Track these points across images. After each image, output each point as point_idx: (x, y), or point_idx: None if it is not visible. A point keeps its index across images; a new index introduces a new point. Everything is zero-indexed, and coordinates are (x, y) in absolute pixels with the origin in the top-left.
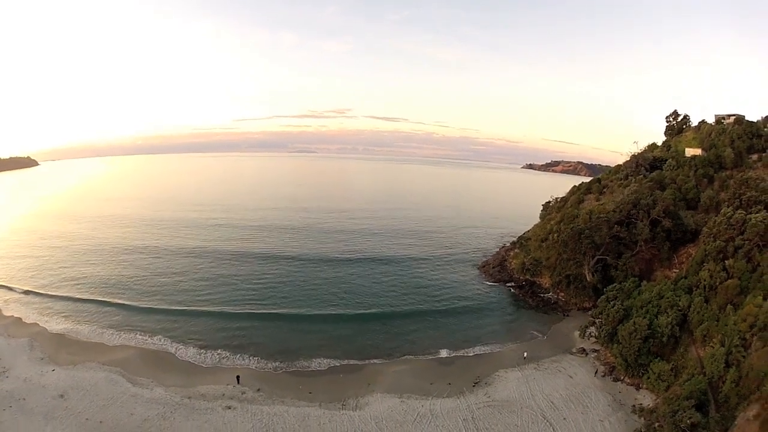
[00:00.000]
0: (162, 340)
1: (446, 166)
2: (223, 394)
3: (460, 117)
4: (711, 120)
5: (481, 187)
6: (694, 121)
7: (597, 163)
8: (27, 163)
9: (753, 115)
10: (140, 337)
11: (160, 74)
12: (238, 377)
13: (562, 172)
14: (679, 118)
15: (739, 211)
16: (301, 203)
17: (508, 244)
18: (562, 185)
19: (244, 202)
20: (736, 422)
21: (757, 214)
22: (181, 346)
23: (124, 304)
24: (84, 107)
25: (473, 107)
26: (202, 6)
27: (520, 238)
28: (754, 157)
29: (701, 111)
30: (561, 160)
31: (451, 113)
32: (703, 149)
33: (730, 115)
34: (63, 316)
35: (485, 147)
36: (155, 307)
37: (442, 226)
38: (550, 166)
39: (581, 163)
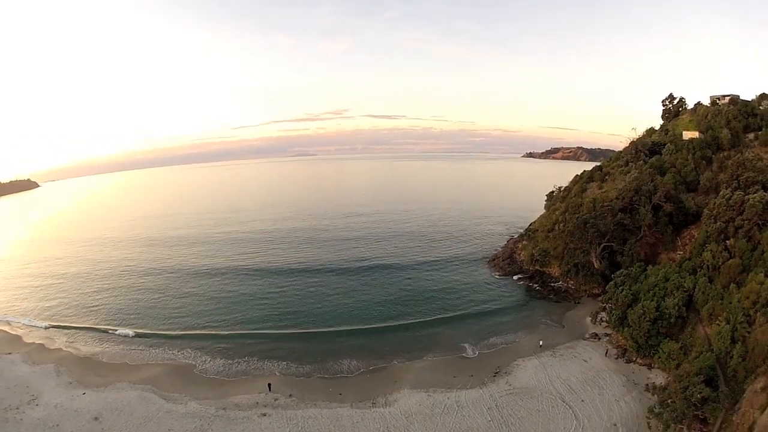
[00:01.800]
0: (187, 355)
1: (446, 160)
2: (257, 402)
3: (457, 110)
4: (706, 102)
5: (482, 180)
6: (690, 104)
7: (597, 147)
8: (27, 185)
9: (747, 94)
10: (165, 354)
11: (156, 85)
12: (269, 385)
13: (563, 158)
14: (675, 102)
15: (737, 192)
16: (303, 210)
17: (515, 236)
18: (564, 172)
19: (244, 214)
20: (744, 395)
21: (755, 195)
22: (207, 359)
23: (141, 330)
24: (82, 124)
25: (470, 100)
26: (195, 13)
27: (527, 229)
28: (751, 136)
29: (697, 93)
30: (560, 146)
31: (448, 107)
32: (700, 131)
33: (724, 96)
34: (84, 342)
35: (483, 138)
36: (169, 332)
37: (448, 223)
38: (550, 153)
39: (581, 148)
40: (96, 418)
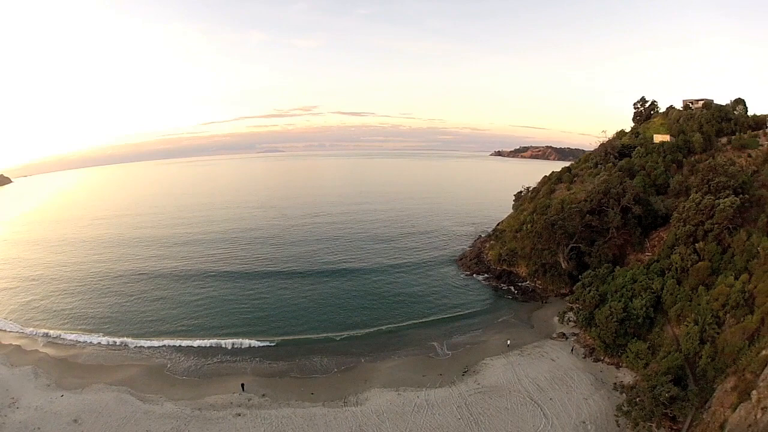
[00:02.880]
0: (161, 356)
1: (414, 157)
2: (231, 402)
3: (426, 108)
4: (679, 105)
5: (450, 178)
6: (662, 107)
7: (566, 147)
8: (0, 181)
9: (723, 99)
10: (139, 355)
11: (127, 81)
12: (242, 385)
13: (531, 157)
14: (647, 105)
15: (708, 196)
16: (271, 210)
17: (483, 236)
18: (532, 171)
19: (213, 213)
20: (715, 394)
21: (726, 199)
22: (181, 360)
23: (114, 332)
24: (55, 119)
25: (439, 98)
26: (167, 8)
27: (494, 229)
28: (724, 140)
29: (669, 96)
30: (530, 145)
31: (417, 105)
32: (671, 135)
33: (698, 100)
34: (60, 344)
35: (452, 136)
36: (143, 334)
37: (416, 223)
38: (519, 152)
39: (550, 147)
40: (75, 421)
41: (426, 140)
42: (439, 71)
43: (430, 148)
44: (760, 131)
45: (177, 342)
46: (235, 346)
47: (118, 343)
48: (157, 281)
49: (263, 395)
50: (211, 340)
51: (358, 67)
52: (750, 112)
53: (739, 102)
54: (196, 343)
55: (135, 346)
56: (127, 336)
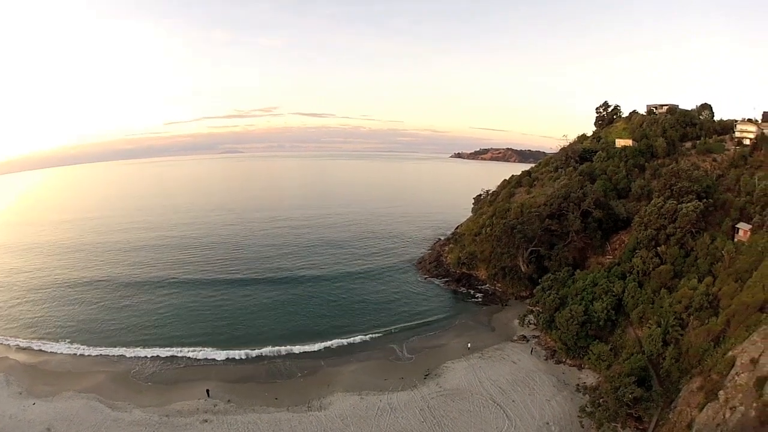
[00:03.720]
0: (127, 363)
1: (374, 159)
2: (198, 409)
3: (386, 110)
4: (643, 110)
5: (410, 180)
6: (626, 112)
7: (527, 149)
8: None
9: (688, 104)
10: (106, 361)
11: (89, 80)
12: (207, 391)
13: (492, 159)
14: (610, 109)
15: (670, 201)
16: (231, 214)
17: (442, 239)
18: (492, 173)
19: (172, 217)
20: (680, 394)
21: (689, 204)
22: (147, 366)
23: (80, 340)
24: (13, 119)
25: (399, 99)
26: (131, 6)
27: (453, 233)
28: (688, 144)
29: (633, 102)
30: (490, 147)
31: (377, 106)
32: (634, 140)
33: (662, 105)
34: (28, 351)
35: (412, 138)
36: (108, 341)
37: (377, 226)
38: (479, 154)
39: (511, 149)
40: (48, 429)
41: (386, 142)
42: (399, 73)
43: (391, 149)
44: (726, 136)
45: (142, 349)
46: (199, 353)
47: (84, 351)
48: (119, 289)
49: (228, 401)
50: (175, 348)
51: (320, 67)
52: (724, 117)
53: (705, 107)
54: (161, 349)
55: (101, 354)
56: (93, 344)
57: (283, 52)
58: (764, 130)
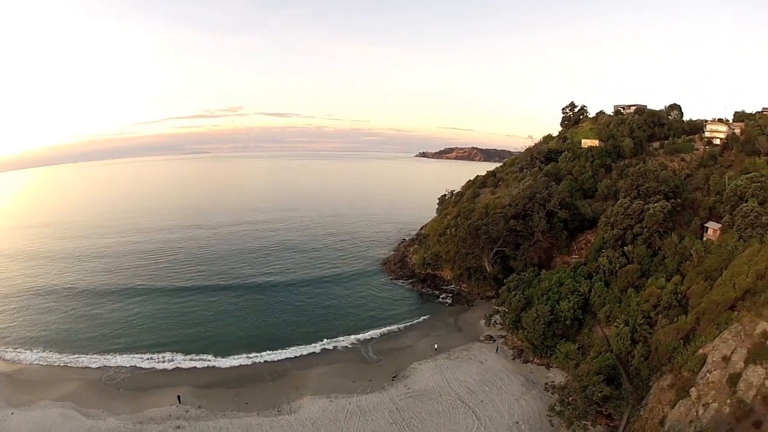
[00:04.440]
0: (99, 370)
1: (339, 159)
2: (170, 415)
3: (351, 109)
4: (610, 111)
5: (374, 180)
6: (593, 112)
7: (492, 148)
8: None
9: (658, 105)
10: (78, 369)
11: (52, 79)
12: (179, 397)
13: (457, 158)
14: (576, 109)
15: (637, 201)
16: (195, 217)
17: (407, 239)
18: (457, 172)
19: (136, 221)
20: (650, 392)
21: (656, 204)
22: (118, 372)
23: (52, 347)
24: None
25: (364, 98)
26: (95, 4)
27: (418, 233)
28: (656, 144)
29: (600, 102)
30: (455, 146)
31: (342, 106)
32: (600, 140)
33: (630, 106)
34: (2, 360)
35: (377, 137)
36: (79, 348)
37: (341, 228)
38: (444, 153)
39: (476, 148)
40: None
41: (351, 141)
42: (364, 72)
43: (356, 149)
44: (696, 136)
45: (112, 356)
46: (168, 359)
47: (57, 359)
48: (88, 297)
49: (199, 407)
50: (145, 354)
51: (285, 67)
52: (695, 118)
53: (674, 107)
54: (131, 356)
55: (73, 361)
56: (66, 351)
57: (249, 51)
58: (735, 130)
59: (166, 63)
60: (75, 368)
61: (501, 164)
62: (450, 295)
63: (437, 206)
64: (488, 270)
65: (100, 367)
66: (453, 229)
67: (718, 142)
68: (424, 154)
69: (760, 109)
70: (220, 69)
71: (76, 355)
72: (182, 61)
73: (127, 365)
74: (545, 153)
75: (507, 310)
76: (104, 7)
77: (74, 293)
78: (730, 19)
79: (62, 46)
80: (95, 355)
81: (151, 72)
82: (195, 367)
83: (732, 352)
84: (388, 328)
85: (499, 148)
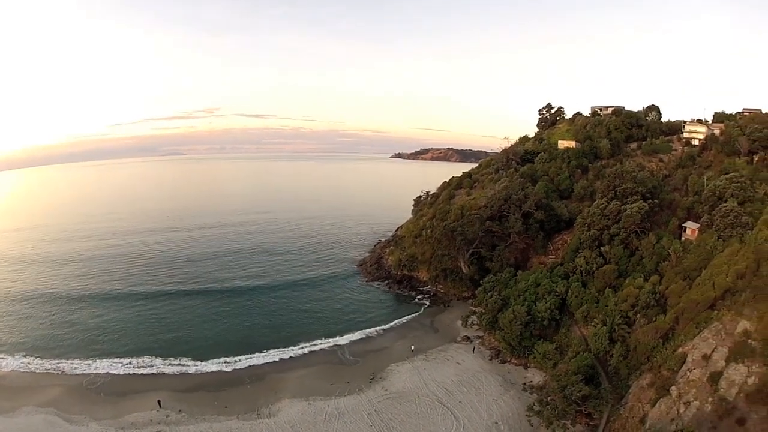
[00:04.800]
0: (80, 376)
1: (315, 160)
2: (151, 420)
3: (328, 110)
4: (587, 112)
5: (350, 181)
6: (569, 113)
7: (468, 149)
8: None
9: (636, 106)
10: (59, 375)
11: (29, 80)
12: (159, 401)
13: (433, 159)
14: (553, 111)
15: (614, 202)
16: (169, 220)
17: (383, 241)
18: (432, 173)
19: (112, 225)
20: (630, 390)
21: (634, 204)
22: (99, 377)
23: (32, 353)
24: None
25: (340, 100)
26: (73, 4)
27: (394, 235)
28: (633, 145)
29: (577, 104)
30: (431, 147)
31: (318, 107)
32: (577, 141)
33: (607, 107)
34: None
35: (353, 138)
36: (58, 353)
37: (317, 230)
38: (420, 154)
39: (452, 149)
40: None
41: (327, 142)
42: (342, 73)
43: (332, 150)
44: (674, 136)
45: (93, 361)
46: (148, 363)
47: (39, 364)
48: (66, 302)
49: (180, 411)
50: (125, 358)
51: (263, 68)
52: (674, 119)
53: (652, 108)
54: (111, 360)
55: (55, 367)
56: (47, 357)
57: (227, 52)
58: (714, 131)
59: (144, 63)
60: (56, 374)
61: (477, 165)
62: (426, 296)
63: (413, 207)
64: (464, 271)
65: (81, 372)
66: (429, 231)
67: (696, 142)
68: (399, 155)
69: (740, 110)
70: (198, 69)
71: (57, 361)
72: (161, 62)
73: (108, 370)
74: (521, 154)
75: (484, 311)
76: (82, 6)
77: (53, 298)
78: (712, 20)
79: (40, 47)
80: (76, 361)
81: (128, 73)
82: (174, 372)
83: (712, 351)
84: (365, 330)
85: (476, 149)
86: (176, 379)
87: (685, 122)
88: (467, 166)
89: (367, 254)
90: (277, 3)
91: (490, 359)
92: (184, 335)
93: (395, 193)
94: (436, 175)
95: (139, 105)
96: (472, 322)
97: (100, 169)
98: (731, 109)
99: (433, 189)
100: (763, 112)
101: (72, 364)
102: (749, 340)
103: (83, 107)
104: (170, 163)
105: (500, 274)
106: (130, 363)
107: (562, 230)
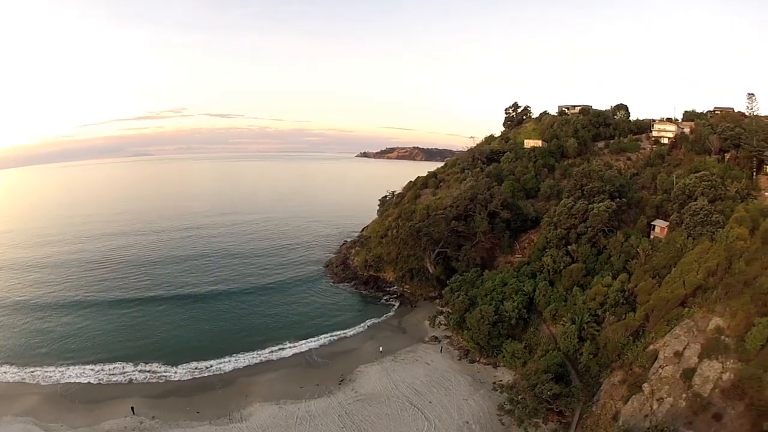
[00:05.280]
0: (54, 384)
1: (280, 160)
2: (126, 427)
3: (294, 110)
4: (554, 111)
5: (316, 181)
6: (536, 113)
7: (434, 147)
8: None
9: (604, 105)
10: (34, 383)
11: None
12: (132, 408)
13: (398, 158)
14: (519, 110)
15: (581, 201)
16: (138, 224)
17: (348, 241)
18: (398, 172)
19: (78, 229)
20: (602, 388)
21: (601, 204)
22: (73, 385)
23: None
24: None
25: (306, 99)
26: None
27: (359, 235)
28: (601, 144)
29: (544, 103)
30: (396, 146)
31: (285, 106)
32: (544, 140)
33: (575, 106)
34: None
35: (319, 138)
36: (32, 360)
37: (283, 231)
38: (385, 153)
39: (417, 147)
40: None
41: (292, 142)
42: (307, 72)
43: (297, 150)
44: (643, 135)
45: (66, 368)
46: (120, 370)
47: (14, 373)
48: (36, 310)
49: (153, 417)
50: (97, 365)
51: (230, 67)
52: (643, 117)
53: (621, 107)
54: (84, 368)
55: (30, 375)
56: (21, 365)
57: (195, 50)
58: (684, 129)
59: (111, 62)
60: (31, 383)
61: (443, 165)
62: (393, 296)
63: (378, 207)
64: (430, 271)
65: (55, 380)
66: (394, 231)
67: (666, 141)
68: (365, 154)
69: (711, 109)
70: (165, 68)
71: (32, 369)
72: (126, 61)
73: (81, 378)
74: (487, 153)
75: (451, 311)
76: (47, 4)
77: (23, 306)
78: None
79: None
80: (50, 369)
81: (94, 72)
82: (146, 378)
83: (685, 348)
84: (334, 332)
85: (441, 148)
86: (148, 385)
87: (654, 121)
88: (433, 165)
89: (333, 255)
90: (244, 2)
91: (459, 359)
92: (154, 341)
93: (360, 193)
94: (402, 174)
95: (107, 105)
96: (439, 323)
97: (66, 171)
98: (701, 108)
99: (398, 189)
100: (735, 110)
101: (46, 372)
102: (722, 337)
103: (52, 108)
104: (138, 164)
105: (467, 273)
106: (102, 370)
107: (528, 229)
